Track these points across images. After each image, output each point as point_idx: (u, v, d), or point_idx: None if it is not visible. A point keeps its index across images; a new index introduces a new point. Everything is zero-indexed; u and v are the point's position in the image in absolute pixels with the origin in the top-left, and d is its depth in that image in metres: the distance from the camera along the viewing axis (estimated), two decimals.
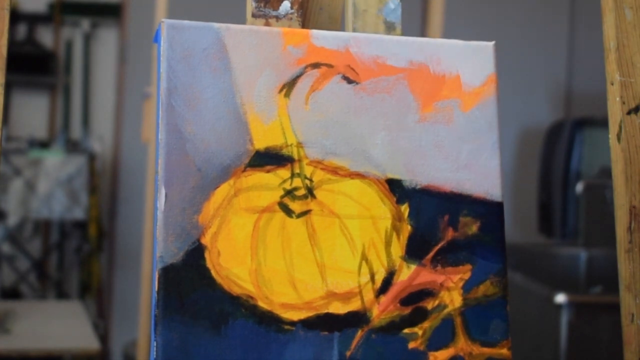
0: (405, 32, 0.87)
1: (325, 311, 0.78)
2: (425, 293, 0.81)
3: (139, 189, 3.42)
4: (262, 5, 0.84)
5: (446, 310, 0.81)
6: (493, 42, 0.87)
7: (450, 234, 0.82)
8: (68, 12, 3.99)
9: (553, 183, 3.25)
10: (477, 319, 0.81)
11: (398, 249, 0.80)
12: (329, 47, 0.82)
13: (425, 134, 0.83)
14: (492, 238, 0.83)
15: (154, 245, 0.75)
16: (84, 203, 3.62)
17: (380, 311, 0.79)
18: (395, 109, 0.83)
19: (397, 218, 0.81)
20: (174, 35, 0.78)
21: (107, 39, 4.05)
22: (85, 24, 4.00)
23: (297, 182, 0.79)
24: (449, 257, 0.81)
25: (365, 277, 0.79)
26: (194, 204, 0.76)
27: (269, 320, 0.76)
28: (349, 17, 0.86)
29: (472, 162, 0.84)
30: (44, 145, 3.80)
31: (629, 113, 0.84)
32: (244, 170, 0.78)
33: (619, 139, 0.84)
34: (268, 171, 0.78)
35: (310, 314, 0.77)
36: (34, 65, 3.89)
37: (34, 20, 3.97)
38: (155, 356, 0.73)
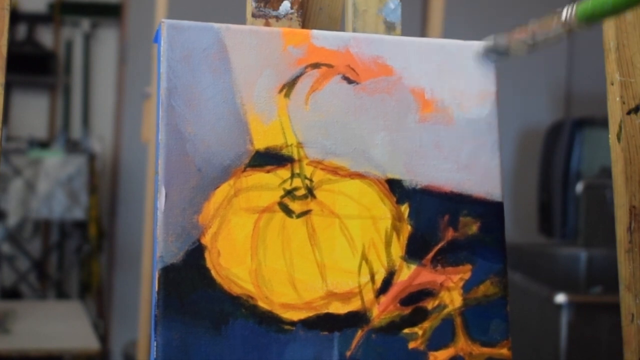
0: (405, 32, 0.87)
1: (325, 311, 0.78)
2: (425, 293, 0.81)
3: (139, 189, 3.42)
4: (262, 5, 0.84)
5: (446, 310, 0.81)
6: None
7: (450, 234, 0.82)
8: (68, 12, 3.99)
9: (553, 183, 3.24)
10: (477, 319, 0.81)
11: (398, 249, 0.80)
12: (329, 47, 0.82)
13: (425, 134, 0.83)
14: (492, 238, 0.83)
15: (154, 245, 0.75)
16: (84, 203, 3.62)
17: (381, 311, 0.79)
18: (396, 109, 0.82)
19: (397, 218, 0.81)
20: (174, 35, 0.78)
21: (107, 39, 4.05)
22: (85, 24, 4.00)
23: (297, 182, 0.79)
24: (449, 257, 0.81)
25: (365, 277, 0.79)
26: (194, 204, 0.76)
27: (269, 320, 0.76)
28: (349, 17, 0.86)
29: (472, 162, 0.84)
30: (44, 145, 3.79)
31: (629, 113, 0.84)
32: (244, 171, 0.78)
33: (619, 139, 0.84)
34: (268, 171, 0.78)
35: (310, 314, 0.77)
36: (34, 65, 3.89)
37: (34, 20, 3.97)
38: (155, 356, 0.73)
